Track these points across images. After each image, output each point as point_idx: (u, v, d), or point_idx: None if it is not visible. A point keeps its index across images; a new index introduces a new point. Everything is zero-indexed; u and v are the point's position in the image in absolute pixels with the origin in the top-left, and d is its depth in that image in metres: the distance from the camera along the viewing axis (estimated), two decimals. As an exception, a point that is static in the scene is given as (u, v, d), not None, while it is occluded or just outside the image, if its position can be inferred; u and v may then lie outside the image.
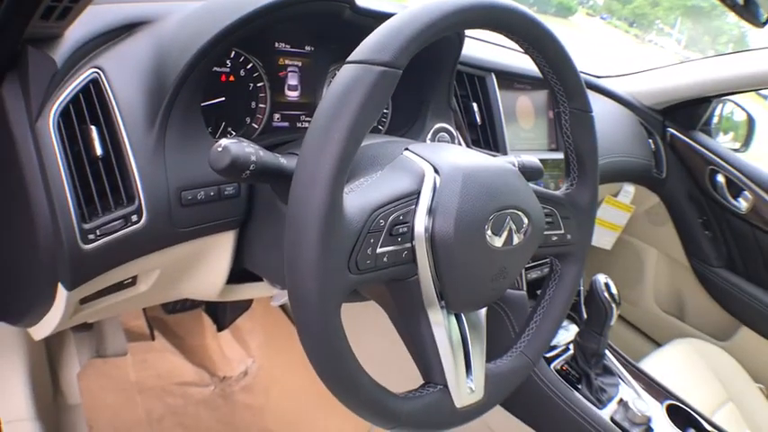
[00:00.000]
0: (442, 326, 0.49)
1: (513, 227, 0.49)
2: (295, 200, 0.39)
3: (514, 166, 0.66)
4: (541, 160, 0.74)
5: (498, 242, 0.48)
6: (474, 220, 0.46)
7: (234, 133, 0.67)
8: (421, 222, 0.45)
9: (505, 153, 0.87)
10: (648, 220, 1.55)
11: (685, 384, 1.19)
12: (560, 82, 0.55)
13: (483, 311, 0.54)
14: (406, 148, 0.51)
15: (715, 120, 1.50)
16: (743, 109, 1.51)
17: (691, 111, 1.43)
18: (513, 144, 0.90)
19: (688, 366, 1.29)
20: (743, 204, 1.41)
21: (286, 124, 0.71)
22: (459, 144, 0.80)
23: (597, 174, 0.61)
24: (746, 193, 1.40)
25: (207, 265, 0.65)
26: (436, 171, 0.47)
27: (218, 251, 0.63)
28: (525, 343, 0.60)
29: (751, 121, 1.52)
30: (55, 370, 1.04)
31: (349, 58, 0.40)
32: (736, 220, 1.43)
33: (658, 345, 1.55)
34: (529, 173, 0.68)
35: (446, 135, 0.77)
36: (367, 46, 0.41)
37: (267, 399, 1.20)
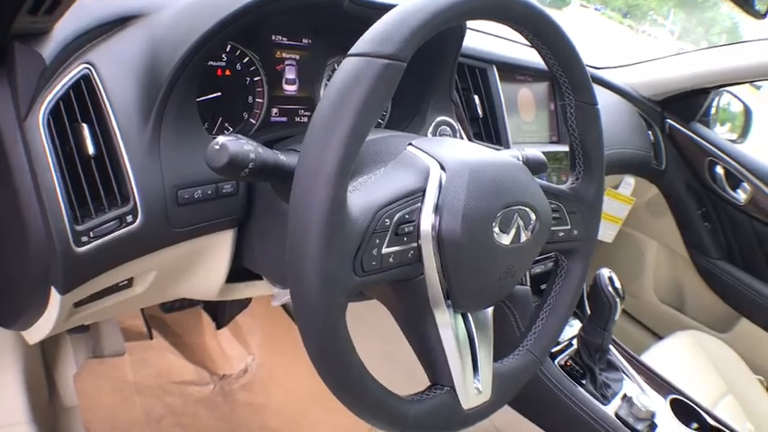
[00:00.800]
0: (448, 326, 0.48)
1: (521, 224, 0.48)
2: (297, 199, 0.37)
3: (518, 159, 0.65)
4: (543, 153, 0.72)
5: (506, 240, 0.47)
6: (481, 217, 0.45)
7: (231, 129, 0.65)
8: (427, 221, 0.44)
9: (508, 147, 0.85)
10: (648, 211, 1.55)
11: (686, 377, 1.19)
12: (566, 75, 0.54)
13: (489, 310, 0.53)
14: (410, 143, 0.49)
15: (713, 111, 1.49)
16: (739, 100, 1.50)
17: (689, 102, 1.42)
18: (515, 137, 0.88)
19: (689, 359, 1.29)
20: (741, 196, 1.41)
21: (284, 119, 0.69)
22: (461, 138, 0.79)
23: (603, 167, 0.60)
24: (745, 184, 1.39)
25: (205, 264, 0.63)
26: (442, 167, 0.46)
27: (217, 250, 0.62)
28: (532, 341, 0.60)
29: (748, 112, 1.51)
30: (51, 372, 1.02)
31: (351, 51, 0.39)
32: (735, 211, 1.42)
33: (658, 337, 1.56)
34: (533, 167, 0.67)
35: (448, 129, 0.75)
36: (370, 37, 0.39)
37: (267, 397, 1.19)
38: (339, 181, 0.36)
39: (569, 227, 0.59)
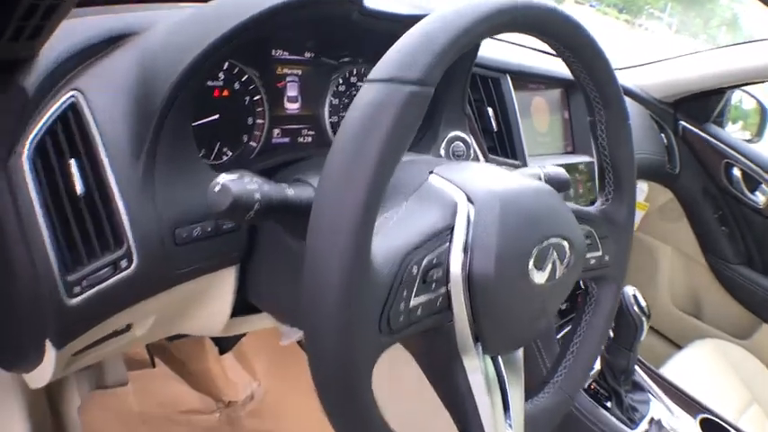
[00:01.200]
0: (478, 371, 0.43)
1: (557, 258, 0.44)
2: (314, 254, 0.32)
3: (540, 178, 0.61)
4: (559, 165, 0.68)
5: (541, 278, 0.43)
6: (517, 255, 0.40)
7: (230, 154, 0.60)
8: (457, 262, 0.39)
9: (524, 160, 0.81)
10: (662, 216, 1.50)
11: (711, 389, 1.16)
12: (597, 90, 0.49)
13: (521, 349, 0.49)
14: (431, 171, 0.45)
15: (727, 110, 1.45)
16: (753, 97, 1.45)
17: (703, 102, 1.38)
18: (530, 149, 0.84)
19: (711, 369, 1.25)
20: (760, 198, 1.36)
21: (287, 140, 0.65)
22: (476, 153, 0.74)
23: (635, 186, 0.56)
24: (764, 186, 1.35)
25: (207, 303, 0.59)
26: (469, 199, 0.41)
27: (219, 289, 0.57)
28: (562, 377, 0.55)
29: (763, 111, 1.46)
30: (54, 405, 0.98)
31: (371, 76, 0.34)
32: (754, 214, 1.38)
33: (677, 345, 1.51)
34: (555, 185, 0.62)
35: (461, 144, 0.71)
36: (392, 60, 0.34)
37: (276, 423, 1.14)
38: (363, 229, 0.32)
39: (600, 253, 0.55)
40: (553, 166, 0.63)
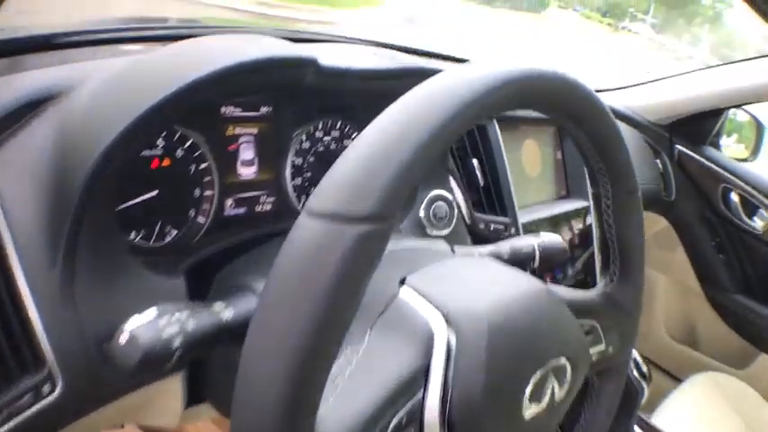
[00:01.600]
0: None
1: (556, 384, 0.36)
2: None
3: (535, 249, 0.54)
4: (553, 217, 0.61)
5: (537, 409, 0.35)
6: (509, 391, 0.33)
7: (175, 232, 0.52)
8: (434, 408, 0.31)
9: (514, 216, 0.73)
10: (656, 245, 1.44)
11: (708, 428, 1.10)
12: (604, 162, 0.42)
13: None
14: (403, 281, 0.37)
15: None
16: (747, 112, 1.40)
17: (700, 124, 1.31)
18: (521, 198, 0.76)
19: (706, 408, 1.19)
20: (759, 224, 1.30)
21: (242, 210, 0.56)
22: (460, 211, 0.67)
23: (644, 266, 0.49)
24: (763, 211, 1.29)
25: (155, 406, 0.51)
26: (448, 322, 0.33)
27: (165, 395, 0.49)
28: None
29: (759, 128, 1.41)
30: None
31: (309, 204, 0.25)
32: (753, 240, 1.32)
33: (672, 377, 1.45)
34: (551, 255, 0.56)
35: (443, 205, 0.63)
36: (333, 186, 0.25)
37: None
38: (301, 411, 0.24)
39: (604, 347, 0.48)
40: (549, 235, 0.56)
